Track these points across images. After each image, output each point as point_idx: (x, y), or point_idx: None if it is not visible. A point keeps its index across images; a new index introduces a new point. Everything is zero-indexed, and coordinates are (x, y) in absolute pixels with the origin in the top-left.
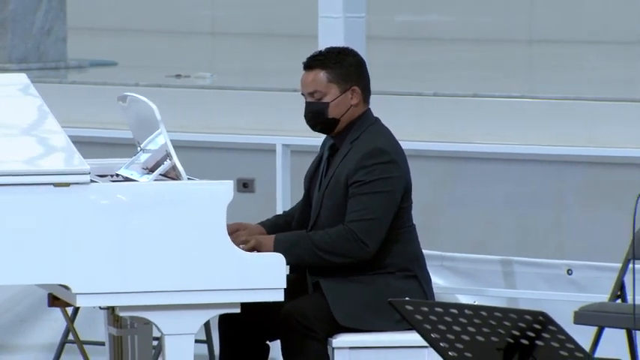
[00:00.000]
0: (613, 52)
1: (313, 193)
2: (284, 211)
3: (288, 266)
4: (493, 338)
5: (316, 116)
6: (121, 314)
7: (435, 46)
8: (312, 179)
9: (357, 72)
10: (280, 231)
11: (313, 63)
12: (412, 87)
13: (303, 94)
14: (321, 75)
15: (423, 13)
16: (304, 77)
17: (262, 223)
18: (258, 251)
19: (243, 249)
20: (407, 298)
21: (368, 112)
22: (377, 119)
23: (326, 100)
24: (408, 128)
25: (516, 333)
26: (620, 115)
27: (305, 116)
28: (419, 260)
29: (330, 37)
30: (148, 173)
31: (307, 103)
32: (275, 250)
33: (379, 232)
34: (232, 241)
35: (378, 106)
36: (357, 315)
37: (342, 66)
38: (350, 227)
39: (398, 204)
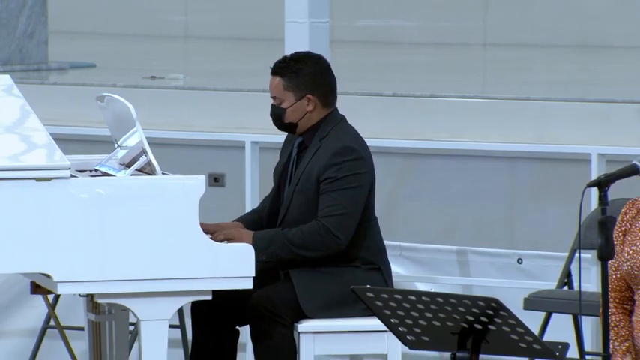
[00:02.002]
0: (561, 55)
1: (283, 189)
2: (252, 210)
3: None
4: (449, 323)
5: (277, 119)
6: (100, 301)
7: (395, 49)
8: (281, 175)
9: (312, 81)
10: (255, 227)
11: (275, 69)
12: (373, 88)
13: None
14: (280, 82)
15: (383, 19)
16: (269, 81)
17: (239, 220)
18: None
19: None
20: (368, 286)
21: (334, 112)
22: (343, 118)
23: (284, 105)
24: (369, 126)
25: (470, 318)
26: (568, 114)
27: (270, 117)
28: (382, 253)
29: (295, 41)
30: (124, 169)
31: (271, 106)
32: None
33: (350, 225)
34: (212, 239)
35: (342, 106)
36: (324, 307)
37: (298, 75)
38: (323, 222)
39: (366, 198)
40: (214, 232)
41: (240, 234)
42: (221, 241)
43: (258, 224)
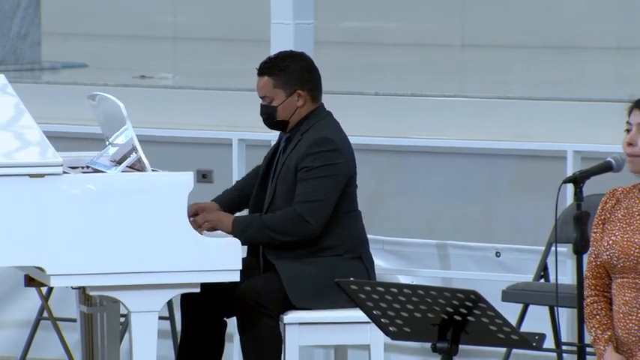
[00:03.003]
0: (539, 56)
1: (269, 179)
2: (226, 190)
3: (245, 247)
4: (429, 315)
5: (268, 118)
6: (92, 293)
7: (377, 50)
8: (268, 166)
9: (300, 76)
10: (237, 206)
11: (262, 70)
12: (356, 87)
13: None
14: (269, 81)
15: (367, 20)
16: (257, 82)
17: (216, 200)
18: (216, 227)
19: (204, 229)
20: (352, 279)
21: (320, 107)
22: (329, 113)
23: (274, 104)
24: (353, 125)
25: (450, 310)
26: (545, 112)
27: (260, 116)
28: (364, 244)
29: (281, 42)
30: (115, 165)
31: (261, 106)
32: (232, 230)
33: (323, 212)
34: (192, 224)
35: (326, 105)
36: (311, 296)
37: (286, 72)
38: (295, 208)
39: (341, 188)
40: (196, 213)
41: (220, 218)
42: (207, 230)
43: (238, 204)
